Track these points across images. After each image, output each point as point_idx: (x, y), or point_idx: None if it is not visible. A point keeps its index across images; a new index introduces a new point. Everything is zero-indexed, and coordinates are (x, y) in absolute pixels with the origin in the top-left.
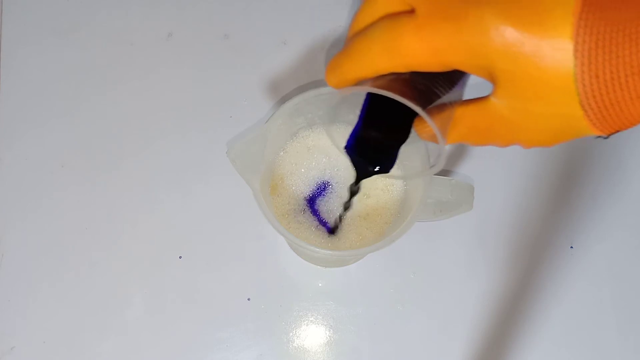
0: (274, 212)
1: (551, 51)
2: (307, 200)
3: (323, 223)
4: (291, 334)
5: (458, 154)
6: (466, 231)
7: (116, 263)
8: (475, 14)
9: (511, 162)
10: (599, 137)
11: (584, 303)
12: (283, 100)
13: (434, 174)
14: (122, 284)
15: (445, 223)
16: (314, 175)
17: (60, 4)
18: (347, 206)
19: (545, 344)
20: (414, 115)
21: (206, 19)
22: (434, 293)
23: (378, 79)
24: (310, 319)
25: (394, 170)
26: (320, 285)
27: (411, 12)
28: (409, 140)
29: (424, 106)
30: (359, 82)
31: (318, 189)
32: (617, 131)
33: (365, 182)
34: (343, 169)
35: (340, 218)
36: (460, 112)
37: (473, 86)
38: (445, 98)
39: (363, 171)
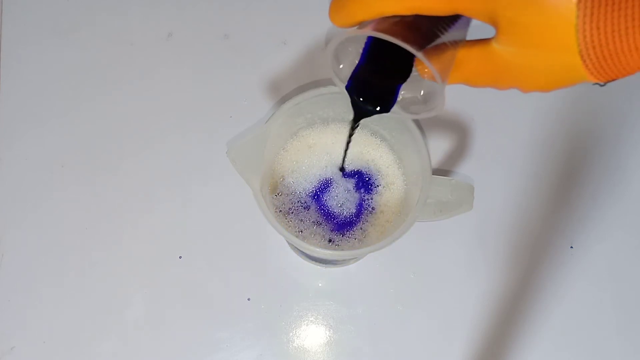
0: (274, 211)
1: (555, 1)
2: (308, 197)
3: (325, 220)
4: (291, 334)
5: (458, 154)
6: (466, 231)
7: (116, 263)
8: None
9: (511, 162)
10: (596, 84)
11: (584, 303)
12: (283, 100)
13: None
14: (122, 284)
15: (445, 223)
16: (315, 173)
17: (60, 4)
18: (347, 146)
19: (545, 344)
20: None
21: (206, 19)
22: (434, 293)
23: (381, 21)
24: (310, 319)
25: (394, 111)
26: (320, 285)
27: None
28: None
29: (425, 47)
30: (362, 24)
31: (320, 186)
32: (614, 79)
33: (368, 178)
34: (345, 166)
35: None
36: (462, 55)
37: (477, 27)
38: (448, 37)
39: (362, 110)
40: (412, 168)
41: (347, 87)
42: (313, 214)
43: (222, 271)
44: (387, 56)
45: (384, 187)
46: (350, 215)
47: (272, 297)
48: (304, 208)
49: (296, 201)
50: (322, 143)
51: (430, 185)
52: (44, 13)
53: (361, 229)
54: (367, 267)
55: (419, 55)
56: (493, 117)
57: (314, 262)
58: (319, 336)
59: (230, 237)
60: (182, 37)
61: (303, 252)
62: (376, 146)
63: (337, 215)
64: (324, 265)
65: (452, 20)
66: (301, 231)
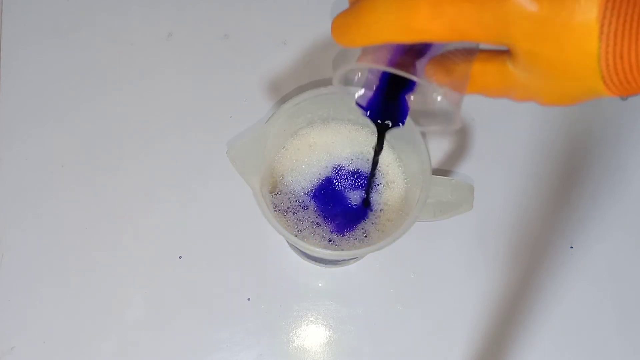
0: (274, 210)
1: (576, 34)
2: (308, 196)
3: (325, 220)
4: (291, 334)
5: (458, 154)
6: (466, 231)
7: (116, 263)
8: None
9: (511, 162)
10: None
11: (584, 303)
12: (283, 100)
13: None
14: (122, 284)
15: (445, 223)
16: (314, 172)
17: (60, 4)
18: (374, 168)
19: (545, 344)
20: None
21: (206, 19)
22: (434, 293)
23: (389, 47)
24: (310, 319)
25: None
26: (320, 285)
27: None
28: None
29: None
30: (366, 49)
31: (320, 185)
32: (635, 94)
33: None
34: (345, 165)
35: (369, 186)
36: (477, 70)
37: None
38: (460, 46)
39: (384, 129)
40: (412, 167)
41: (369, 116)
42: (312, 213)
43: (222, 271)
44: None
45: (384, 185)
46: (350, 215)
47: (272, 297)
48: (303, 208)
49: (295, 200)
50: (322, 142)
51: (430, 185)
52: (44, 13)
53: (362, 228)
54: (367, 267)
55: (432, 86)
56: (493, 117)
57: (314, 262)
58: (319, 336)
59: (230, 237)
60: (182, 37)
61: (303, 252)
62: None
63: (337, 214)
64: (324, 265)
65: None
66: (301, 231)
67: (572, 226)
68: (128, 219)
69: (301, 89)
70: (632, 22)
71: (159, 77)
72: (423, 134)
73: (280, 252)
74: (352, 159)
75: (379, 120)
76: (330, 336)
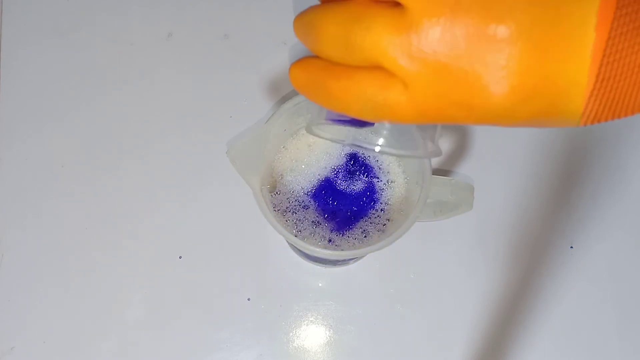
0: (274, 210)
1: (560, 119)
2: (308, 196)
3: (325, 220)
4: (291, 334)
5: (458, 154)
6: (466, 231)
7: (116, 263)
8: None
9: (511, 162)
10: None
11: (584, 303)
12: (283, 100)
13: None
14: (122, 284)
15: (445, 223)
16: (314, 172)
17: (60, 4)
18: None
19: (545, 344)
20: None
21: (206, 19)
22: (434, 293)
23: None
24: (310, 319)
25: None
26: (320, 285)
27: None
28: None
29: None
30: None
31: (319, 185)
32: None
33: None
34: (344, 165)
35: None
36: None
37: None
38: None
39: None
40: (412, 167)
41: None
42: (312, 213)
43: (222, 271)
44: None
45: (384, 184)
46: (350, 215)
47: (272, 297)
48: (303, 207)
49: (295, 200)
50: (322, 142)
51: (430, 185)
52: (44, 13)
53: (361, 228)
54: (367, 267)
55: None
56: None
57: (313, 262)
58: (319, 336)
59: (230, 237)
60: (182, 37)
61: (303, 252)
62: None
63: (337, 214)
64: (323, 265)
65: None
66: (300, 231)
67: (572, 226)
68: (128, 219)
69: None
70: (612, 104)
71: (159, 77)
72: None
73: (280, 252)
74: (351, 159)
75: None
76: (330, 336)
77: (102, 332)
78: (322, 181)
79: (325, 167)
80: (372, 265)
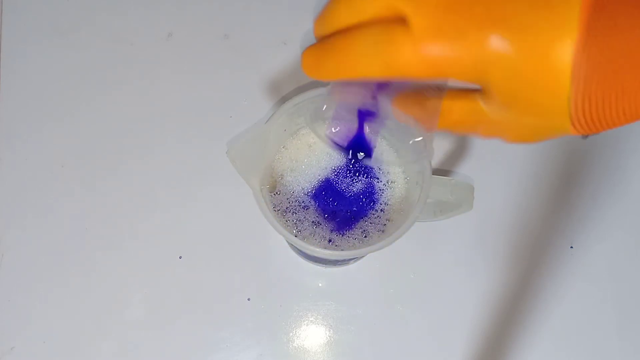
0: (274, 210)
1: (550, 77)
2: (308, 196)
3: (325, 220)
4: (291, 334)
5: (458, 154)
6: (466, 231)
7: (116, 263)
8: (476, 37)
9: (511, 162)
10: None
11: (584, 303)
12: (283, 100)
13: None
14: (122, 284)
15: (445, 223)
16: (314, 172)
17: (60, 4)
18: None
19: (545, 344)
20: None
21: (206, 19)
22: (434, 293)
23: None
24: (310, 319)
25: (386, 156)
26: (320, 285)
27: (401, 21)
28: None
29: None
30: (335, 83)
31: (319, 185)
32: (596, 133)
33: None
34: (344, 166)
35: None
36: (447, 106)
37: None
38: (431, 83)
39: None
40: (413, 167)
41: (344, 149)
42: (312, 213)
43: (222, 271)
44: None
45: (385, 185)
46: (350, 215)
47: (272, 297)
48: (303, 208)
49: (295, 200)
50: (322, 142)
51: (430, 185)
52: (44, 13)
53: (361, 228)
54: (367, 267)
55: (405, 119)
56: None
57: (313, 262)
58: (319, 336)
59: (230, 237)
60: (182, 37)
61: (303, 253)
62: (377, 144)
63: (337, 215)
64: (323, 265)
65: None
66: (300, 231)
67: (572, 226)
68: (128, 218)
69: (301, 89)
70: (601, 69)
71: (159, 77)
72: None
73: (280, 252)
74: (351, 159)
75: (352, 152)
76: (330, 336)
77: (102, 332)
78: (322, 181)
79: (326, 168)
80: (372, 265)
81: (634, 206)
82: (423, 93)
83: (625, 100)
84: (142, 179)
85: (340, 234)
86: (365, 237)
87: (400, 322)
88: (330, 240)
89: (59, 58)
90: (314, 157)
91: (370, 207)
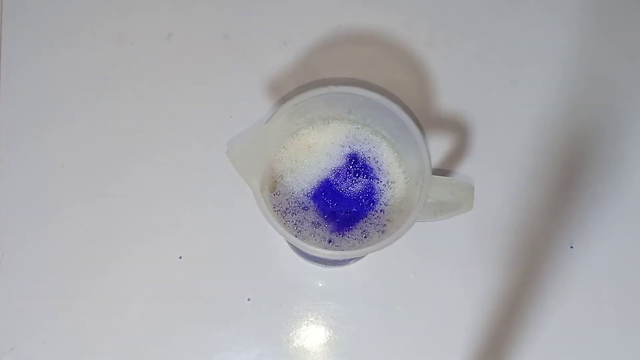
0: (274, 210)
1: None
2: (308, 197)
3: (324, 220)
4: (291, 334)
5: (458, 154)
6: (466, 231)
7: (116, 263)
8: None
9: (511, 162)
10: None
11: (584, 303)
12: (283, 100)
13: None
14: (122, 284)
15: (445, 223)
16: (314, 172)
17: (60, 4)
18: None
19: (545, 343)
20: None
21: (206, 19)
22: (434, 293)
23: None
24: (310, 319)
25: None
26: (320, 285)
27: None
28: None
29: None
30: None
31: (319, 185)
32: None
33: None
34: (344, 166)
35: None
36: None
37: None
38: None
39: None
40: (413, 167)
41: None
42: (312, 213)
43: (222, 271)
44: None
45: (384, 185)
46: (350, 215)
47: (272, 297)
48: (303, 208)
49: (295, 200)
50: (322, 142)
51: (430, 185)
52: (44, 13)
53: (361, 228)
54: (367, 267)
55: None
56: (493, 117)
57: (313, 262)
58: (319, 336)
59: (230, 237)
60: (182, 37)
61: (303, 253)
62: (377, 144)
63: (337, 215)
64: (324, 265)
65: None
66: (300, 231)
67: (572, 226)
68: (128, 218)
69: (301, 89)
70: None
71: (159, 77)
72: (423, 134)
73: (280, 252)
74: (352, 160)
75: None
76: (330, 336)
77: (102, 332)
78: (322, 182)
79: (326, 168)
80: (372, 265)
81: (634, 206)
82: None
83: None
84: (142, 179)
85: (340, 234)
86: (365, 237)
87: (400, 322)
88: (330, 241)
89: (59, 58)
90: (314, 158)
91: (370, 207)
